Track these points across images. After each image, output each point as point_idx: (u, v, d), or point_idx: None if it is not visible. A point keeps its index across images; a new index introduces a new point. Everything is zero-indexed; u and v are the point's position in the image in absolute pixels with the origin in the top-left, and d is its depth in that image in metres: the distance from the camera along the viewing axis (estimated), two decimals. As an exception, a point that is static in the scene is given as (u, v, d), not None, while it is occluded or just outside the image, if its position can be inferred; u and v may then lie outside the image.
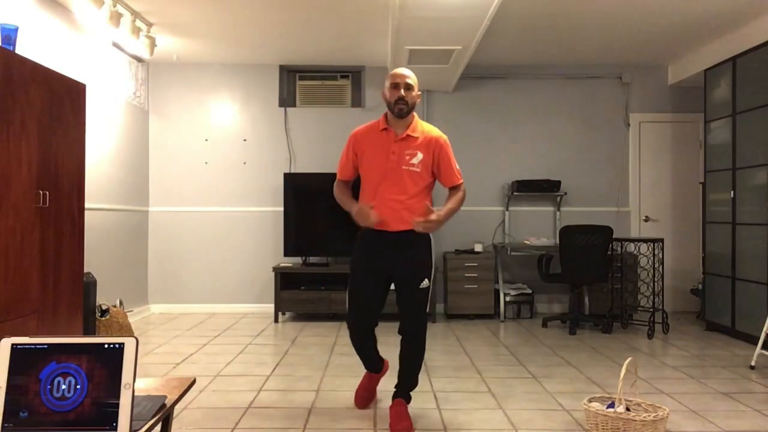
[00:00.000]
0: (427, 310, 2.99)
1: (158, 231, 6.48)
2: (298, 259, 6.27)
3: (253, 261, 6.50)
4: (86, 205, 4.07)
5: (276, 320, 5.94)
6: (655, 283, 5.40)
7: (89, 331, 4.44)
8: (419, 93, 2.99)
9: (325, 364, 4.23)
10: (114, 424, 1.27)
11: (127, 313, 5.27)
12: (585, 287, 5.95)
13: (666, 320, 5.41)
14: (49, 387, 1.29)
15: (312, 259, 6.23)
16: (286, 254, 6.22)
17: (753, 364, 4.12)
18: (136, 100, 6.17)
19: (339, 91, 6.65)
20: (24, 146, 3.31)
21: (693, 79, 6.16)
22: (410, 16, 4.34)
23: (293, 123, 6.57)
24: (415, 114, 3.00)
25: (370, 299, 2.97)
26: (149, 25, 5.20)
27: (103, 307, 4.77)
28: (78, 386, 1.29)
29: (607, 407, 2.80)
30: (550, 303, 6.56)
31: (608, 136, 6.62)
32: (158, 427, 1.56)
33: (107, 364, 1.31)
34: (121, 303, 5.37)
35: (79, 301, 3.90)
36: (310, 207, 6.17)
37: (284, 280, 5.98)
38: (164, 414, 1.52)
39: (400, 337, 2.99)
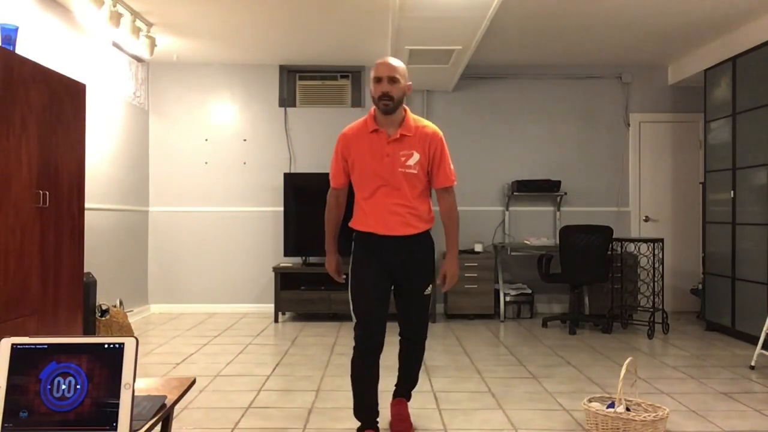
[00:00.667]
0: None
1: (158, 231, 6.48)
2: (298, 259, 6.27)
3: (253, 261, 6.50)
4: (86, 205, 4.08)
5: (276, 320, 5.94)
6: (655, 283, 5.41)
7: (89, 331, 4.44)
8: (409, 84, 2.70)
9: (325, 364, 4.23)
10: (114, 424, 1.27)
11: (127, 313, 5.27)
12: (585, 287, 5.95)
13: (666, 320, 5.41)
14: (49, 387, 1.29)
15: (312, 259, 6.22)
16: (286, 254, 6.22)
17: (753, 364, 4.12)
18: (136, 100, 6.17)
19: (339, 91, 6.65)
20: (24, 146, 3.31)
21: (693, 79, 6.16)
22: (410, 17, 4.34)
23: (293, 123, 6.57)
24: (406, 108, 2.74)
25: (380, 308, 2.68)
26: (149, 25, 5.20)
27: (103, 307, 4.77)
28: (78, 386, 1.29)
29: (607, 407, 2.80)
30: (550, 303, 6.56)
31: (608, 136, 6.62)
32: (158, 427, 1.56)
33: (107, 364, 1.31)
34: (121, 303, 5.37)
35: (79, 301, 3.90)
36: (310, 207, 6.15)
37: (284, 280, 5.98)
38: (164, 414, 1.52)
39: (400, 338, 2.97)
